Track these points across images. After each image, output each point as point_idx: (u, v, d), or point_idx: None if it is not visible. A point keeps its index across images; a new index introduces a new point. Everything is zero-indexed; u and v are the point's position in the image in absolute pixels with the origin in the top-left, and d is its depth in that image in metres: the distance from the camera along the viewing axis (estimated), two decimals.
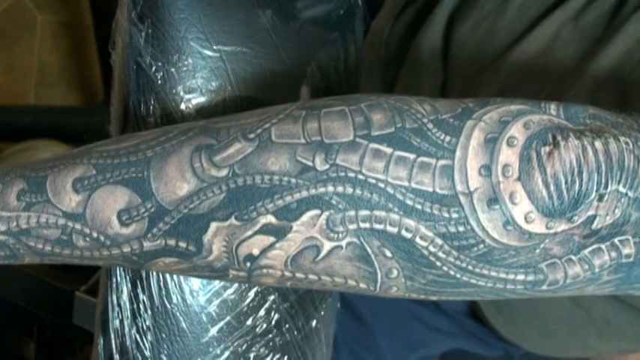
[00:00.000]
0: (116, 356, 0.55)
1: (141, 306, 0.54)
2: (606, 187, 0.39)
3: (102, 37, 1.50)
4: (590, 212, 0.39)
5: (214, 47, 0.52)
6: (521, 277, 0.41)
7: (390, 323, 0.84)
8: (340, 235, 0.41)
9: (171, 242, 0.42)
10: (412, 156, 0.40)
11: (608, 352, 0.90)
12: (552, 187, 0.39)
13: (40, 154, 1.28)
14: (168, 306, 0.54)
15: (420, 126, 0.41)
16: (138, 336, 0.54)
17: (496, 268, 0.41)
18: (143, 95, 0.52)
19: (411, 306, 0.84)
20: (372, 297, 0.45)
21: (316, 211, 0.41)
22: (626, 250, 0.41)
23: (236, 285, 0.55)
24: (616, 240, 0.40)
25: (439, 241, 0.40)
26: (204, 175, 0.41)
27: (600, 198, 0.39)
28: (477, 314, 0.85)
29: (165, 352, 0.54)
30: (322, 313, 0.63)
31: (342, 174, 0.40)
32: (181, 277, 0.53)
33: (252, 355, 0.56)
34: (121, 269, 0.54)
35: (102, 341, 0.56)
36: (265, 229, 0.41)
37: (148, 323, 0.54)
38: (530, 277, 0.41)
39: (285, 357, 0.59)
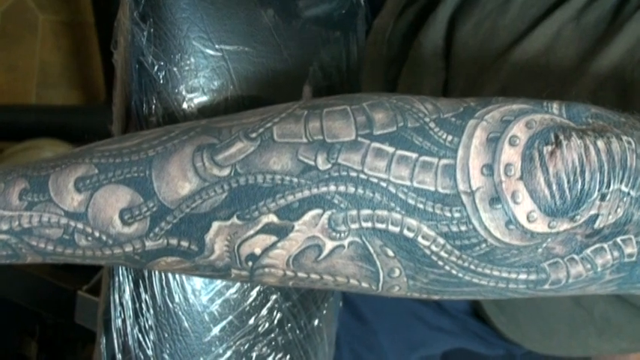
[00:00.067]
0: (118, 356, 0.55)
1: (143, 305, 0.54)
2: (608, 186, 0.39)
3: (104, 36, 1.51)
4: (593, 211, 0.39)
5: (216, 46, 0.52)
6: (523, 276, 0.41)
7: (391, 322, 0.84)
8: (342, 234, 0.41)
9: (174, 242, 0.42)
10: (414, 155, 0.40)
11: (609, 352, 0.90)
12: (555, 187, 0.39)
13: (42, 154, 1.28)
14: (170, 305, 0.54)
15: (422, 125, 0.41)
16: (140, 335, 0.54)
17: (498, 267, 0.41)
18: (145, 95, 0.52)
19: (412, 305, 0.84)
20: (374, 296, 0.45)
21: (318, 211, 0.41)
22: (628, 250, 0.41)
23: (238, 284, 0.55)
24: (618, 239, 0.40)
25: (441, 241, 0.40)
26: (206, 175, 0.41)
27: (603, 197, 0.39)
28: (479, 313, 0.85)
29: (168, 352, 0.54)
30: (324, 312, 0.63)
31: (344, 173, 0.40)
32: (184, 277, 0.53)
33: (254, 355, 0.56)
34: (124, 268, 0.54)
35: (104, 341, 0.56)
36: (267, 229, 0.41)
37: (150, 322, 0.54)
38: (533, 277, 0.41)
39: (288, 356, 0.59)
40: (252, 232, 0.41)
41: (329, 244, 0.41)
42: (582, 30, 0.68)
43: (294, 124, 0.42)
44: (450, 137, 0.40)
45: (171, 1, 0.51)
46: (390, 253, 0.41)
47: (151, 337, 0.54)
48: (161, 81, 0.52)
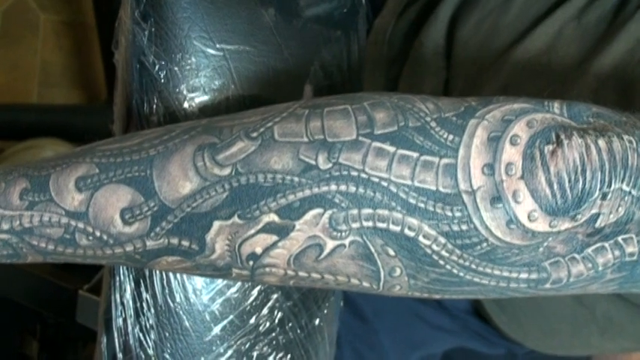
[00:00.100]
0: (119, 355, 0.55)
1: (144, 305, 0.54)
2: (610, 185, 0.39)
3: (105, 36, 1.51)
4: (594, 211, 0.39)
5: (217, 46, 0.52)
6: (524, 275, 0.41)
7: (392, 322, 0.84)
8: (343, 233, 0.41)
9: (174, 241, 0.42)
10: (415, 154, 0.40)
11: (611, 351, 0.90)
12: (556, 186, 0.39)
13: (43, 153, 1.28)
14: (171, 305, 0.54)
15: (423, 124, 0.41)
16: (141, 335, 0.54)
17: (499, 266, 0.41)
18: (146, 94, 0.52)
19: (413, 304, 0.84)
20: (375, 295, 0.45)
21: (319, 210, 0.41)
22: (629, 249, 0.41)
23: (239, 284, 0.55)
24: (619, 238, 0.40)
25: (442, 240, 0.40)
26: (207, 174, 0.41)
27: (604, 196, 0.39)
28: (480, 313, 0.85)
29: (169, 351, 0.54)
30: (325, 311, 0.63)
31: (345, 172, 0.40)
32: (184, 276, 0.53)
33: (255, 354, 0.56)
34: (124, 268, 0.54)
35: (105, 340, 0.56)
36: (268, 228, 0.41)
37: (151, 322, 0.54)
38: (534, 276, 0.41)
39: (288, 355, 0.59)
40: (253, 231, 0.41)
41: (330, 244, 0.41)
42: (583, 29, 0.68)
43: (295, 124, 0.42)
44: (451, 136, 0.40)
45: (172, 1, 0.51)
46: (391, 252, 0.41)
47: (152, 336, 0.54)
48: (162, 80, 0.52)
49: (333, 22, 0.60)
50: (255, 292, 0.55)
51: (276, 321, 0.57)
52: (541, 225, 0.39)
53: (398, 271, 0.42)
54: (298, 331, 0.59)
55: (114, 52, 0.56)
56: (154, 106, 0.52)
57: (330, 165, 0.40)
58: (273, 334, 0.57)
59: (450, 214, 0.40)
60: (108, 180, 0.42)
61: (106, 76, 1.55)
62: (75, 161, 0.43)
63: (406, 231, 0.40)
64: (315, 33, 0.58)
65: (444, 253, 0.40)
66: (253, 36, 0.54)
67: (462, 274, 0.41)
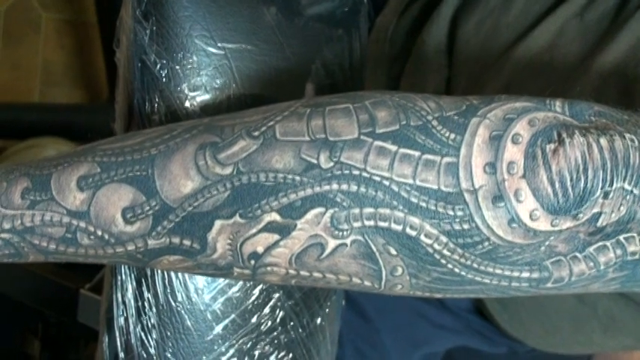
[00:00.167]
0: (121, 354, 0.55)
1: (146, 304, 0.54)
2: (611, 184, 0.39)
3: (106, 35, 1.51)
4: (596, 210, 0.39)
5: (219, 45, 0.52)
6: (526, 274, 0.41)
7: (394, 321, 0.84)
8: (345, 232, 0.41)
9: (176, 240, 0.42)
10: (417, 153, 0.40)
11: (613, 349, 0.90)
12: (557, 185, 0.39)
13: (45, 152, 1.28)
14: (173, 304, 0.54)
15: (424, 123, 0.41)
16: (143, 334, 0.54)
17: (501, 265, 0.41)
18: (148, 93, 0.52)
19: (415, 303, 0.84)
20: (377, 294, 0.45)
21: (321, 209, 0.40)
22: (631, 248, 0.40)
23: (241, 283, 0.55)
24: (621, 237, 0.40)
25: (444, 239, 0.40)
26: (208, 173, 0.41)
27: (605, 195, 0.39)
28: (481, 311, 0.85)
29: (170, 350, 0.54)
30: (327, 310, 0.63)
31: (347, 172, 0.40)
32: (186, 275, 0.53)
33: (256, 353, 0.56)
34: (126, 267, 0.54)
35: (107, 339, 0.56)
36: (270, 227, 0.41)
37: (152, 321, 0.54)
38: (535, 275, 0.41)
39: (290, 354, 0.59)
40: (254, 230, 0.41)
41: (331, 243, 0.41)
42: (586, 27, 0.68)
43: (296, 123, 0.42)
44: (452, 135, 0.40)
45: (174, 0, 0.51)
46: (393, 251, 0.41)
47: (154, 335, 0.54)
48: (163, 79, 0.52)
49: (334, 20, 0.60)
50: (256, 291, 0.55)
51: (278, 320, 0.57)
52: (543, 224, 0.39)
53: (399, 271, 0.41)
54: (300, 330, 0.59)
55: (115, 50, 0.56)
56: (156, 105, 0.52)
57: (331, 164, 0.40)
58: (275, 333, 0.57)
59: (451, 213, 0.40)
60: (109, 179, 0.42)
61: (108, 75, 1.55)
62: (76, 160, 0.43)
63: (408, 230, 0.40)
64: (316, 31, 0.58)
65: (445, 252, 0.40)
66: (255, 35, 0.54)
67: (463, 273, 0.41)
